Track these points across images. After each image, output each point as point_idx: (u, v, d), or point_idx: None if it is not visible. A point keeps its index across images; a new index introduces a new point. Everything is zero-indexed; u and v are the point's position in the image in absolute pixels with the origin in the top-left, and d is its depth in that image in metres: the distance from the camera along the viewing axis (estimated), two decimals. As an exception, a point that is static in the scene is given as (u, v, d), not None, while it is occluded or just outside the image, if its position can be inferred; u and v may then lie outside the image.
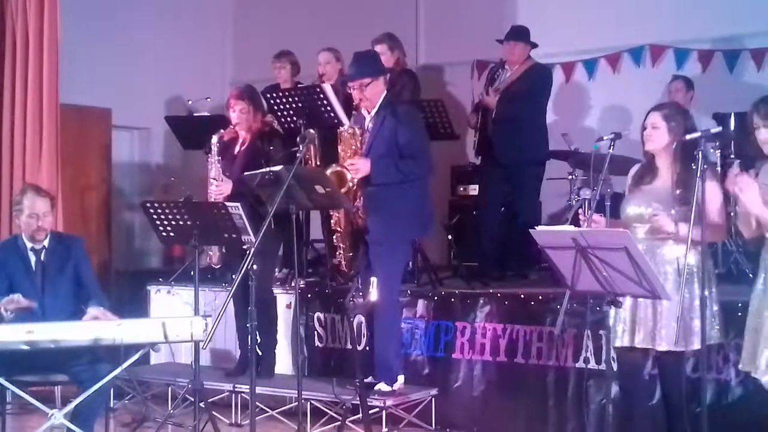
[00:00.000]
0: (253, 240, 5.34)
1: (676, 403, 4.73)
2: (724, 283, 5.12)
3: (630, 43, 8.31)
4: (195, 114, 8.33)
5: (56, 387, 5.65)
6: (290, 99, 6.93)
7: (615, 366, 4.95)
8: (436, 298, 6.44)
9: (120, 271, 8.83)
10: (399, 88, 6.87)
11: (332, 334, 6.74)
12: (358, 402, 5.55)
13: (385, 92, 6.01)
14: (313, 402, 6.11)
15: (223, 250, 6.36)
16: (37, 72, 7.27)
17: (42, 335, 4.60)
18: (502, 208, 7.43)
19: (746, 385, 5.19)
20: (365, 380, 5.78)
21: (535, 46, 7.33)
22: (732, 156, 6.67)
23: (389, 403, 5.89)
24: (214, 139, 6.39)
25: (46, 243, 5.39)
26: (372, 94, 5.93)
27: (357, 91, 5.95)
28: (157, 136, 9.56)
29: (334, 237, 6.12)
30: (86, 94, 8.47)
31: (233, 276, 5.65)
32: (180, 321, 4.85)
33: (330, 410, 6.08)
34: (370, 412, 5.63)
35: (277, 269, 7.04)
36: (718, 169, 6.57)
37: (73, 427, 4.86)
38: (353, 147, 5.96)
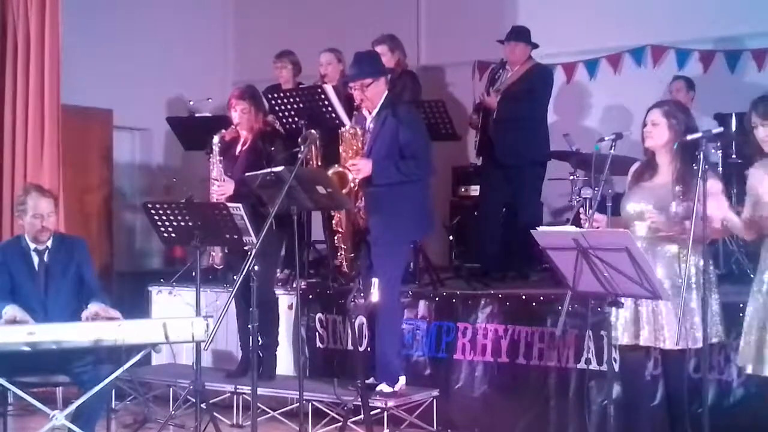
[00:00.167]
0: (255, 241, 5.34)
1: (679, 404, 4.72)
2: (725, 284, 5.12)
3: (631, 43, 8.31)
4: (196, 115, 8.33)
5: (57, 388, 5.66)
6: (291, 99, 6.94)
7: (616, 367, 4.95)
8: (437, 298, 6.44)
9: (121, 272, 8.83)
10: (400, 89, 6.87)
11: (333, 335, 6.74)
12: (360, 403, 5.56)
13: (386, 93, 6.01)
14: (314, 403, 6.11)
15: (225, 251, 6.36)
16: (39, 73, 7.27)
17: (43, 336, 4.60)
18: (504, 209, 7.43)
19: (748, 386, 5.20)
20: (366, 381, 5.79)
21: (536, 46, 7.33)
22: (733, 156, 6.68)
23: (390, 404, 5.89)
24: (216, 139, 6.39)
25: (49, 244, 5.39)
26: (373, 94, 5.93)
27: (358, 91, 5.96)
28: (159, 136, 9.56)
29: (336, 238, 6.11)
30: (87, 94, 8.46)
31: (235, 277, 5.65)
32: (181, 322, 4.84)
33: (331, 411, 6.07)
34: (372, 413, 5.63)
35: (278, 270, 7.05)
36: (720, 169, 6.58)
37: (74, 428, 4.86)
38: (354, 147, 5.96)
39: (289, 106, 6.94)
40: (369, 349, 6.20)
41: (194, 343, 5.25)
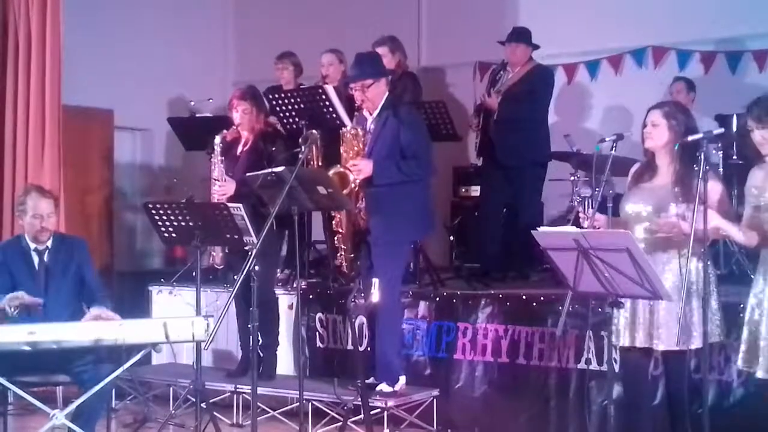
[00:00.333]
0: (255, 241, 5.34)
1: (680, 404, 4.72)
2: (725, 284, 5.12)
3: (632, 44, 8.32)
4: (197, 115, 8.33)
5: (58, 387, 5.66)
6: (292, 100, 6.94)
7: (617, 367, 4.95)
8: (437, 298, 6.44)
9: (122, 272, 8.84)
10: (400, 91, 6.87)
11: (334, 334, 6.74)
12: (360, 403, 5.56)
13: (387, 93, 6.01)
14: (314, 403, 6.11)
15: (225, 251, 6.36)
16: (40, 73, 7.27)
17: (44, 336, 4.60)
18: (504, 209, 7.43)
19: (748, 386, 5.20)
20: (367, 381, 5.79)
21: (536, 47, 7.33)
22: (734, 157, 6.68)
23: (391, 403, 5.89)
24: (218, 139, 6.40)
25: (49, 244, 5.40)
26: (374, 95, 5.94)
27: (359, 92, 5.96)
28: (159, 136, 9.57)
29: (336, 238, 6.12)
30: (88, 95, 8.47)
31: (235, 277, 5.65)
32: (182, 321, 4.84)
33: (331, 411, 6.07)
34: (372, 412, 5.63)
35: (278, 270, 7.05)
36: (720, 170, 6.58)
37: (74, 427, 4.86)
38: (355, 148, 5.96)
39: (290, 107, 6.94)
40: (369, 348, 6.20)
41: (194, 343, 5.25)
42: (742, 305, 4.77)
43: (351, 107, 6.51)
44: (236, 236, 5.67)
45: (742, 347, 4.49)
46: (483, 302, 6.23)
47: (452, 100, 8.52)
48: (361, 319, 6.42)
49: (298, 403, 5.61)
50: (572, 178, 6.83)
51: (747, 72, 7.92)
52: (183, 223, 5.74)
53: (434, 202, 6.41)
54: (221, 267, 6.55)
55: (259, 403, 5.58)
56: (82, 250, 5.52)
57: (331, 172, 5.86)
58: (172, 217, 5.75)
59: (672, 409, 4.86)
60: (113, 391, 5.91)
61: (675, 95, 7.32)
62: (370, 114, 6.00)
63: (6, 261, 5.35)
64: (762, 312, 4.41)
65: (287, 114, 6.97)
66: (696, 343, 4.59)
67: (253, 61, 9.61)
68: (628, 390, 4.96)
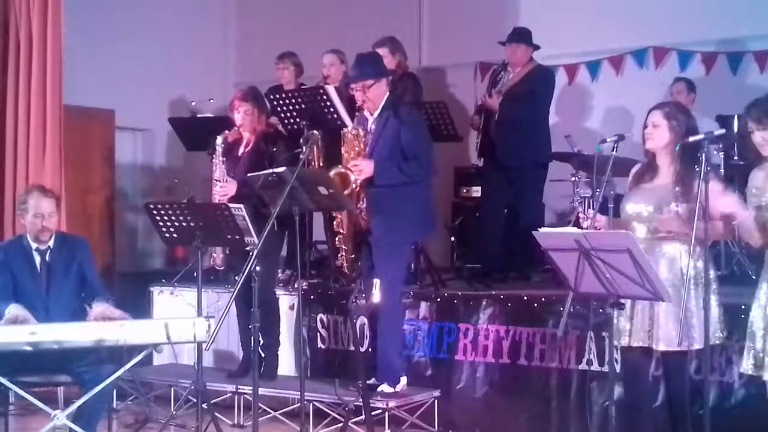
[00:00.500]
0: (256, 241, 5.34)
1: (681, 405, 4.72)
2: (726, 285, 5.11)
3: (633, 44, 8.32)
4: (198, 115, 8.33)
5: (59, 388, 5.67)
6: (293, 100, 6.94)
7: (618, 367, 4.94)
8: (438, 299, 6.44)
9: (123, 273, 8.83)
10: (401, 92, 6.88)
11: (335, 335, 6.74)
12: (361, 403, 5.56)
13: (388, 94, 6.01)
14: (315, 403, 6.12)
15: (226, 252, 6.37)
16: (41, 73, 7.27)
17: (45, 336, 4.60)
18: (505, 210, 7.43)
19: (749, 388, 5.19)
20: (368, 382, 5.79)
21: (537, 47, 7.33)
22: (735, 158, 6.67)
23: (392, 404, 5.89)
24: (219, 139, 6.40)
25: (51, 243, 5.40)
26: (374, 95, 5.94)
27: (359, 92, 5.96)
28: (161, 137, 9.57)
29: (337, 239, 6.12)
30: (89, 95, 8.47)
31: (236, 277, 5.65)
32: (183, 322, 4.85)
33: (333, 412, 6.08)
34: (373, 413, 5.64)
35: (279, 270, 7.05)
36: (721, 171, 6.58)
37: (75, 427, 4.86)
38: (356, 148, 5.96)
39: (291, 107, 6.94)
40: (370, 349, 6.20)
41: (196, 344, 5.25)
42: (744, 306, 4.76)
43: (352, 107, 6.51)
44: (237, 237, 5.68)
45: (748, 353, 4.45)
46: (484, 303, 6.23)
47: (453, 101, 8.53)
48: (363, 320, 6.42)
49: (299, 404, 5.61)
50: (573, 178, 6.83)
51: (748, 73, 7.92)
52: (184, 224, 5.74)
53: (435, 203, 6.41)
54: (222, 268, 6.56)
55: (260, 404, 5.58)
56: (83, 250, 5.52)
57: (332, 173, 5.86)
58: (173, 218, 5.75)
59: (672, 410, 4.85)
60: (114, 391, 5.91)
61: (675, 96, 7.32)
62: (371, 114, 6.01)
63: (8, 261, 5.35)
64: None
65: (288, 114, 6.97)
66: (696, 344, 4.58)
67: (254, 61, 9.61)
68: (629, 390, 4.96)
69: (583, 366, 5.77)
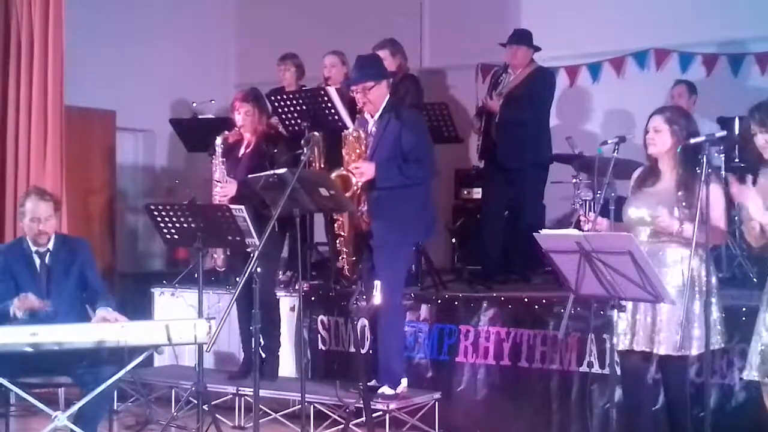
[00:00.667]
0: (257, 243, 5.34)
1: (680, 408, 4.71)
2: (728, 288, 5.11)
3: (634, 46, 8.32)
4: (199, 116, 8.33)
5: (60, 389, 5.67)
6: (294, 102, 6.94)
7: (619, 370, 4.94)
8: (439, 301, 6.44)
9: (124, 274, 8.84)
10: (402, 94, 6.87)
11: (336, 337, 6.74)
12: (362, 405, 5.56)
13: (389, 96, 6.01)
14: (316, 405, 6.11)
15: (227, 253, 6.36)
16: (42, 74, 7.28)
17: (46, 337, 4.60)
18: (506, 212, 7.43)
19: (750, 391, 5.18)
20: (368, 383, 5.78)
21: (538, 49, 7.33)
22: (737, 160, 6.67)
23: (392, 406, 5.88)
24: (219, 140, 6.41)
25: (50, 246, 5.40)
26: (375, 97, 5.93)
27: (360, 94, 5.95)
28: (162, 138, 9.57)
29: (338, 241, 6.11)
30: (90, 96, 8.48)
31: (237, 279, 5.65)
32: (184, 323, 4.86)
33: (333, 413, 6.07)
34: (374, 415, 5.63)
35: (280, 272, 7.05)
36: (723, 173, 6.57)
37: (76, 429, 4.86)
38: (357, 150, 5.96)
39: (292, 109, 6.94)
40: (371, 351, 6.20)
41: (196, 345, 5.25)
42: (745, 309, 4.75)
43: (353, 109, 6.50)
44: (238, 238, 5.68)
45: (756, 358, 4.43)
46: (485, 305, 6.23)
47: (454, 102, 8.53)
48: (363, 322, 6.42)
49: (299, 406, 5.60)
50: (574, 180, 6.83)
51: (749, 75, 7.92)
52: (185, 225, 5.74)
53: (436, 205, 6.40)
54: (223, 269, 6.56)
55: (261, 406, 5.57)
56: (84, 251, 5.52)
57: (333, 175, 5.85)
58: (174, 219, 5.75)
59: (671, 414, 4.85)
60: (115, 392, 5.90)
61: (676, 98, 7.32)
62: (372, 116, 6.00)
63: (8, 263, 5.35)
64: None
65: (289, 116, 6.97)
66: (696, 349, 4.58)
67: (255, 62, 9.60)
68: (628, 393, 4.95)
69: (583, 368, 5.77)
